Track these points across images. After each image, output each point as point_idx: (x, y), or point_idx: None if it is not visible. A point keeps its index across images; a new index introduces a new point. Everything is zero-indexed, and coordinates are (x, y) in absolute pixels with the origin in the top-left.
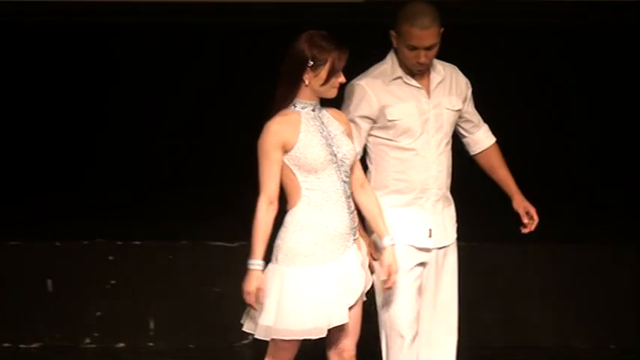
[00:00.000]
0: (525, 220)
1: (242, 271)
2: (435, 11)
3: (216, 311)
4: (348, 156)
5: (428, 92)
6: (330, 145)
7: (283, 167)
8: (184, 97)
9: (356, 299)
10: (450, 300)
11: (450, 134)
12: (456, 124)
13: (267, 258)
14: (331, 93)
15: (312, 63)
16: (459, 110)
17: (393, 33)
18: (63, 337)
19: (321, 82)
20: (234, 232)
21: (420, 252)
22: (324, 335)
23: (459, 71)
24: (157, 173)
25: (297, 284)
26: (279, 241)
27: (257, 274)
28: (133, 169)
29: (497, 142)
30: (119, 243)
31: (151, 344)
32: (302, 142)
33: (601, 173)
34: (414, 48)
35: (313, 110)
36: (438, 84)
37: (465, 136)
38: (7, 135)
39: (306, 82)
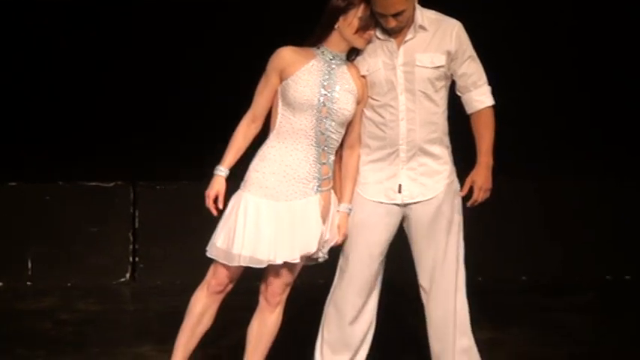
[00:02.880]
0: (463, 193)
1: (117, 211)
2: None
3: (93, 250)
4: (338, 113)
5: (399, 47)
6: (323, 94)
7: (275, 94)
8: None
9: (302, 250)
10: (447, 254)
11: (432, 90)
12: (453, 80)
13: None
14: (359, 43)
15: (344, 7)
16: (441, 67)
17: None
18: None
19: (352, 30)
20: (111, 172)
21: (389, 207)
22: (259, 266)
23: (453, 28)
24: (36, 117)
25: (246, 211)
26: (249, 168)
27: (219, 180)
28: (10, 114)
29: (492, 107)
30: None
31: (29, 283)
32: (297, 76)
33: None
34: (382, 15)
35: (332, 59)
36: (411, 40)
37: (459, 95)
38: None
39: (337, 27)
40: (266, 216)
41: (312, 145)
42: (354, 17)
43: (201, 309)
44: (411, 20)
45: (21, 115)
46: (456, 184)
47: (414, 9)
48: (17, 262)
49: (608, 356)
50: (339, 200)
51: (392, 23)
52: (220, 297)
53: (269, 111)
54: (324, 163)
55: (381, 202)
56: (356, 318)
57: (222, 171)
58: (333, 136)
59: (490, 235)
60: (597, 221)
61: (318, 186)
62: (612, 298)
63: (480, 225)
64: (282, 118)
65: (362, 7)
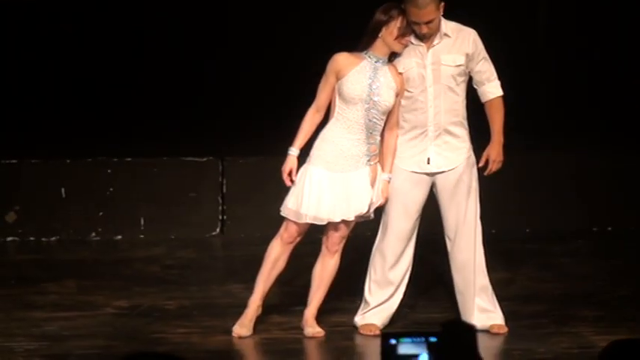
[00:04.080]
0: (481, 164)
1: (209, 180)
2: None
3: (191, 210)
4: (382, 104)
5: (428, 50)
6: (371, 90)
7: (333, 90)
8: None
9: (356, 211)
10: (467, 212)
11: (454, 83)
12: (471, 76)
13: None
14: (398, 47)
15: (386, 20)
16: (461, 65)
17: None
18: (75, 232)
19: (393, 38)
20: (204, 149)
21: (421, 175)
22: (321, 223)
23: (470, 35)
24: (142, 104)
25: (311, 180)
26: (313, 146)
27: (291, 158)
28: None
29: (501, 96)
30: (115, 160)
31: (141, 236)
32: (349, 77)
33: None
34: (415, 23)
35: (376, 61)
36: (437, 44)
37: (475, 87)
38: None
39: (380, 35)
40: (327, 184)
41: (362, 129)
42: (394, 27)
43: (276, 256)
44: (437, 29)
45: (137, 106)
46: (473, 158)
47: (440, 20)
48: (133, 220)
49: (596, 290)
50: (382, 170)
51: (424, 29)
52: (291, 247)
53: (329, 103)
54: (372, 143)
55: (414, 172)
56: (396, 262)
57: (294, 151)
58: (377, 122)
59: (501, 197)
60: (582, 185)
61: (368, 160)
62: (598, 245)
63: (493, 189)
64: (339, 108)
65: (400, 18)
